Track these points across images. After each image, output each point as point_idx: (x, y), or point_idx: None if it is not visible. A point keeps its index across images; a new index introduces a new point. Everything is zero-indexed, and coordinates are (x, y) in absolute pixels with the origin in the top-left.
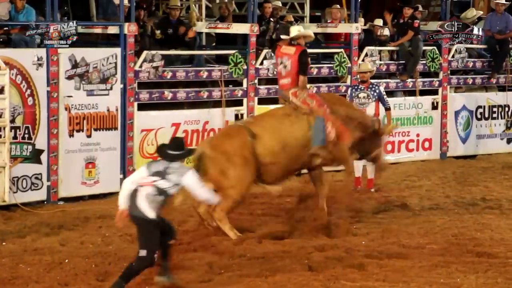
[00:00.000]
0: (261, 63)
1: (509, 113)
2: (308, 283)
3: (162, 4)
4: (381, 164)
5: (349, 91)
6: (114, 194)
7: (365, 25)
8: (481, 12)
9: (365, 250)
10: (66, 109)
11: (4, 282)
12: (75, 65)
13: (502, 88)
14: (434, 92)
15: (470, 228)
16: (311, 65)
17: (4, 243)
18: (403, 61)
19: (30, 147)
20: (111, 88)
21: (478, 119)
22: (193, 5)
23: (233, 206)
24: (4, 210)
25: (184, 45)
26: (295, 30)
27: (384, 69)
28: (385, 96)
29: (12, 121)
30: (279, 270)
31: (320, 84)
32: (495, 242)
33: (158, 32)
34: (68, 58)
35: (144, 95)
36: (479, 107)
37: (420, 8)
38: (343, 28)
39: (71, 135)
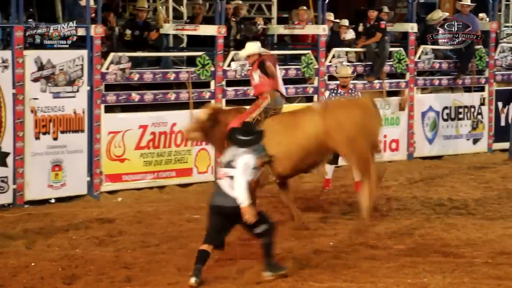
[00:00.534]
0: (229, 65)
1: (475, 113)
2: (276, 284)
3: (129, 6)
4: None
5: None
6: (81, 197)
7: (334, 19)
8: (447, 14)
9: (333, 251)
10: (32, 111)
11: None
12: (41, 67)
13: (468, 89)
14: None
15: (437, 229)
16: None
17: None
18: (370, 62)
19: None
20: (77, 90)
21: (445, 120)
22: (160, 7)
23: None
24: None
25: (151, 47)
26: (246, 50)
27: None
28: None
29: None
30: (247, 271)
31: (288, 86)
32: (462, 242)
33: (128, 33)
34: (34, 60)
35: (111, 97)
36: (446, 108)
37: (386, 10)
38: (310, 29)
39: (37, 138)
